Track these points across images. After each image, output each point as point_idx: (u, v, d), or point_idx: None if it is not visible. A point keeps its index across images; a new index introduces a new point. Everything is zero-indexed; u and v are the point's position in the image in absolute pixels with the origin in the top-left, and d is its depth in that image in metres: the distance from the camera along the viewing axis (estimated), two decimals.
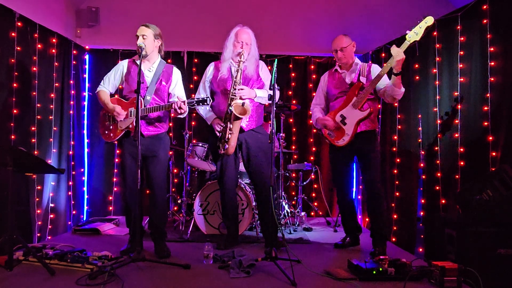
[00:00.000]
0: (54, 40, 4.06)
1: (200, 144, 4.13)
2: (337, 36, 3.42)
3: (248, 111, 3.15)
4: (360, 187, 4.79)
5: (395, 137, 4.07)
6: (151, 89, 3.16)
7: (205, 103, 3.01)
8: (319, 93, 3.62)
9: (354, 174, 4.23)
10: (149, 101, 3.14)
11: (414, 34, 2.98)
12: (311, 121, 5.12)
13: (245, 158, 3.42)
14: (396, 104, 4.02)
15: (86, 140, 4.81)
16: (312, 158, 5.10)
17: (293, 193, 5.07)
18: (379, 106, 3.94)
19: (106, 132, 3.25)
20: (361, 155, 3.36)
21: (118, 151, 4.90)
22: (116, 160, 4.91)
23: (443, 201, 3.41)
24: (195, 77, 5.02)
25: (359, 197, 4.84)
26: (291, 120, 5.11)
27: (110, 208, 4.92)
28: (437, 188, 3.47)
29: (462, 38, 3.32)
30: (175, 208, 4.75)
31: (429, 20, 2.95)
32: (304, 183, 4.68)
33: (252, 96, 3.31)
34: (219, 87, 3.38)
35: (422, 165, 3.70)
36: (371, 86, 3.18)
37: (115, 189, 4.92)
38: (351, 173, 3.60)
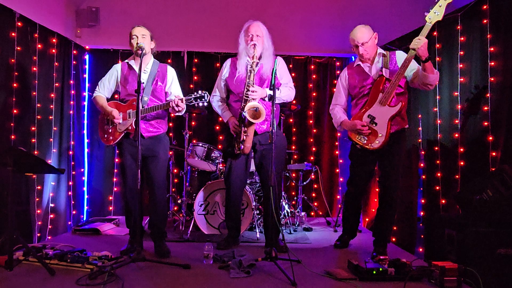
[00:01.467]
0: (54, 40, 4.06)
1: (200, 144, 4.13)
2: (356, 28, 3.17)
3: (262, 115, 3.09)
4: None
5: None
6: (147, 90, 3.16)
7: (203, 99, 2.98)
8: (339, 91, 3.39)
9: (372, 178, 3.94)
10: (147, 102, 3.14)
11: (435, 15, 2.74)
12: (311, 121, 5.13)
13: (258, 158, 3.40)
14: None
15: (86, 140, 4.81)
16: (312, 158, 5.10)
17: (293, 193, 5.06)
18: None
19: (106, 135, 3.25)
20: (385, 157, 3.15)
21: (118, 151, 4.90)
22: (116, 160, 4.91)
23: (443, 201, 3.41)
24: (195, 77, 5.02)
25: None
26: (291, 120, 5.11)
27: (110, 208, 4.92)
28: (437, 188, 3.47)
29: (462, 38, 3.32)
30: (175, 208, 4.75)
31: None
32: (304, 183, 4.68)
33: (264, 95, 3.26)
34: (235, 87, 3.34)
35: (422, 165, 3.70)
36: (397, 78, 2.94)
37: (115, 189, 4.92)
38: (371, 177, 3.38)
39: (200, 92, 3.01)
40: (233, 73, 3.38)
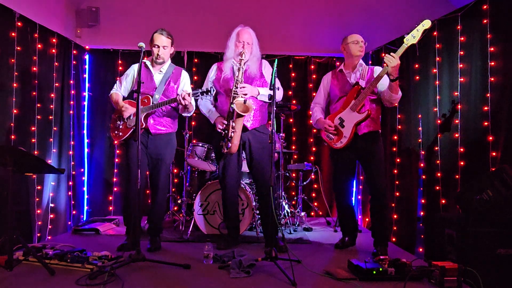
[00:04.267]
0: (54, 40, 4.06)
1: (200, 144, 4.13)
2: (352, 34, 3.41)
3: (251, 109, 3.15)
4: (360, 187, 4.79)
5: (395, 137, 4.07)
6: (160, 89, 3.28)
7: (209, 93, 3.08)
8: (320, 93, 3.60)
9: (355, 176, 4.09)
10: (157, 99, 3.25)
11: (412, 38, 2.97)
12: (311, 121, 5.12)
13: (248, 158, 3.43)
14: (396, 104, 4.02)
15: (86, 140, 4.81)
16: (312, 158, 5.10)
17: (293, 193, 5.06)
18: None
19: (116, 132, 3.34)
20: (365, 157, 3.33)
21: (118, 151, 4.91)
22: (116, 160, 4.91)
23: (443, 201, 3.41)
24: (195, 77, 5.02)
25: (359, 197, 4.84)
26: (291, 120, 5.11)
27: (110, 208, 4.92)
28: (437, 188, 3.47)
29: (462, 38, 3.32)
30: (175, 208, 4.75)
31: (427, 23, 2.94)
32: (304, 183, 4.68)
33: (255, 93, 3.32)
34: (222, 87, 3.39)
35: (422, 165, 3.70)
36: (369, 89, 3.17)
37: (115, 189, 4.92)
38: (353, 176, 3.54)
39: (205, 87, 3.13)
40: (219, 75, 3.44)
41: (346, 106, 3.29)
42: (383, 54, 4.37)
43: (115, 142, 3.38)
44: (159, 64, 3.32)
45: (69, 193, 4.29)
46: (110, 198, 4.93)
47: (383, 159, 3.36)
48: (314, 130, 5.12)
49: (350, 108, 3.25)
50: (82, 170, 4.74)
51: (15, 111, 3.44)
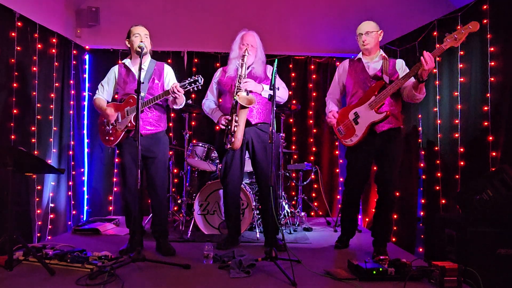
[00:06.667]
0: (54, 40, 4.06)
1: (200, 144, 4.13)
2: (363, 22, 3.24)
3: (253, 101, 3.16)
4: None
5: None
6: (144, 86, 3.18)
7: (197, 83, 2.99)
8: (335, 82, 3.44)
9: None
10: (143, 98, 3.16)
11: (453, 39, 2.73)
12: (311, 121, 5.13)
13: (251, 157, 3.43)
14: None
15: (86, 140, 4.81)
16: (312, 158, 5.10)
17: (293, 193, 5.06)
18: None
19: (107, 137, 3.25)
20: (381, 156, 3.16)
21: (118, 151, 4.90)
22: (116, 160, 4.91)
23: (443, 201, 3.42)
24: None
25: None
26: (291, 120, 5.11)
27: (110, 208, 4.92)
28: (437, 188, 3.47)
29: None
30: (175, 208, 4.75)
31: (474, 26, 2.66)
32: (304, 183, 4.68)
33: (258, 89, 3.31)
34: (226, 86, 3.41)
35: (422, 165, 3.70)
36: (393, 88, 2.97)
37: (115, 189, 4.92)
38: (369, 174, 3.39)
39: (193, 76, 3.00)
40: (223, 76, 3.48)
41: (364, 101, 3.10)
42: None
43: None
44: (141, 57, 3.01)
45: (69, 193, 4.30)
46: (110, 198, 4.92)
47: (400, 161, 3.16)
48: (314, 130, 5.13)
49: (368, 105, 3.06)
50: (82, 170, 4.74)
51: (15, 111, 3.44)
